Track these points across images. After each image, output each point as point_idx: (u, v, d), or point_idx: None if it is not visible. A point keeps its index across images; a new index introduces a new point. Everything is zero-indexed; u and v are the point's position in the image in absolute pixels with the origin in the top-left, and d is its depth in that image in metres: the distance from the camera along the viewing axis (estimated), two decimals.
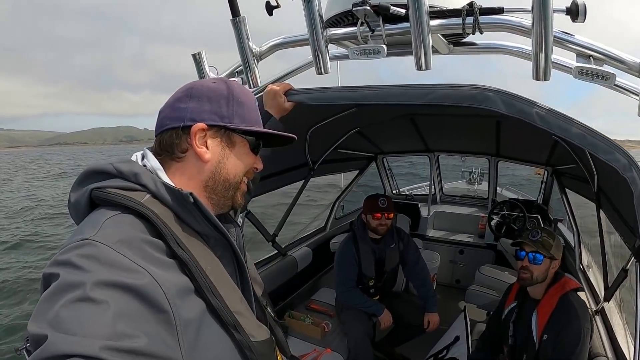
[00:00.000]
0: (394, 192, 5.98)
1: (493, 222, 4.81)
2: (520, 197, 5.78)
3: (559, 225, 4.60)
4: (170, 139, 0.90)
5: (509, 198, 5.25)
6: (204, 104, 0.91)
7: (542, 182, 5.38)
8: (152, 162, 0.90)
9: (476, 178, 8.99)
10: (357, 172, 5.02)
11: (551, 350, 2.00)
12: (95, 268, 0.64)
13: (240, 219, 2.79)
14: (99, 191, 0.80)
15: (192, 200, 0.82)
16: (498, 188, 5.88)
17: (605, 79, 1.18)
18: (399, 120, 3.49)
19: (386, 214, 2.99)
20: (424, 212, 5.11)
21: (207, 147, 0.91)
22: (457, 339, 2.78)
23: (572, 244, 3.57)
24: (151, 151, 0.93)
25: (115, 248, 0.69)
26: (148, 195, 0.81)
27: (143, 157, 0.92)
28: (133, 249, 0.71)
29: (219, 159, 0.93)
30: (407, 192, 6.33)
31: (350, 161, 4.56)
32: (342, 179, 6.12)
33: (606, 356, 2.11)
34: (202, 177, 0.92)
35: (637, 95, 1.19)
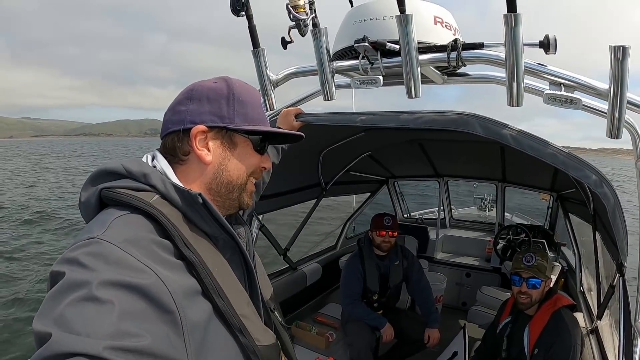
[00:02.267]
0: (405, 215, 6.09)
1: (499, 246, 4.88)
2: (528, 223, 5.84)
3: (563, 249, 4.67)
4: (172, 143, 0.90)
5: (516, 223, 5.34)
6: (203, 105, 0.90)
7: (548, 207, 5.46)
8: (162, 163, 0.90)
9: (487, 204, 8.98)
10: (369, 194, 5.19)
11: None
12: (101, 267, 0.65)
13: (254, 231, 2.98)
14: (108, 191, 0.80)
15: (201, 201, 0.82)
16: (508, 214, 5.94)
17: (572, 103, 1.32)
18: (408, 145, 3.67)
19: (390, 232, 3.15)
20: (432, 235, 5.21)
21: (208, 149, 0.90)
22: (455, 354, 2.88)
23: (574, 268, 3.67)
24: (160, 152, 0.93)
25: (122, 247, 0.69)
26: (157, 196, 0.80)
27: (153, 158, 0.92)
28: (140, 248, 0.71)
29: (221, 161, 0.92)
30: (418, 216, 6.45)
31: (362, 184, 4.73)
32: (354, 200, 6.27)
33: None
34: (205, 179, 0.92)
35: (604, 115, 1.30)
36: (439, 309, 4.20)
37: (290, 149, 1.70)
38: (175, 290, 0.70)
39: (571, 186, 3.24)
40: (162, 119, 0.97)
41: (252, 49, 1.72)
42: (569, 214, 4.02)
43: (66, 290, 0.61)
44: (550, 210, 5.37)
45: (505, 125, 1.40)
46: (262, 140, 0.98)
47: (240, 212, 1.09)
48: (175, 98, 0.95)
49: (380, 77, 1.55)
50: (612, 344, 2.42)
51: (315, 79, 1.69)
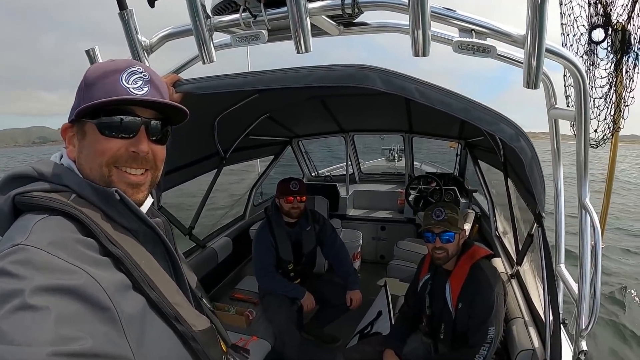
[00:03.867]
0: (313, 174, 6.03)
1: (411, 197, 4.99)
2: (437, 171, 6.04)
3: (475, 195, 4.87)
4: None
5: (426, 172, 5.48)
6: (73, 102, 0.88)
7: (456, 155, 5.64)
8: (66, 161, 0.89)
9: (395, 155, 9.24)
10: (272, 157, 5.01)
11: (467, 318, 2.10)
12: (30, 274, 0.63)
13: None
14: (22, 196, 0.77)
15: (118, 197, 0.81)
16: (417, 163, 6.10)
17: (486, 51, 1.21)
18: (309, 103, 3.51)
19: (298, 197, 3.02)
20: (342, 192, 5.20)
21: (73, 145, 0.89)
22: (379, 313, 2.88)
23: (488, 213, 3.81)
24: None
25: (49, 250, 0.67)
26: (74, 195, 0.80)
27: (62, 157, 0.90)
28: (66, 249, 0.70)
29: (77, 154, 0.88)
30: (326, 174, 6.42)
31: (264, 147, 4.54)
32: (258, 165, 6.08)
33: (523, 318, 2.25)
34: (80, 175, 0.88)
35: (521, 65, 1.22)
36: (357, 265, 4.23)
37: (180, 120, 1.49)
38: (108, 286, 0.69)
39: (479, 133, 3.29)
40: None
41: (119, 11, 1.43)
42: (478, 160, 4.12)
43: None
44: (459, 157, 5.56)
45: (411, 79, 1.26)
46: (115, 120, 0.85)
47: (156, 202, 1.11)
48: None
49: (265, 32, 1.34)
50: (534, 286, 2.51)
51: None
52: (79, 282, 0.65)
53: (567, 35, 1.61)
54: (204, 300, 1.08)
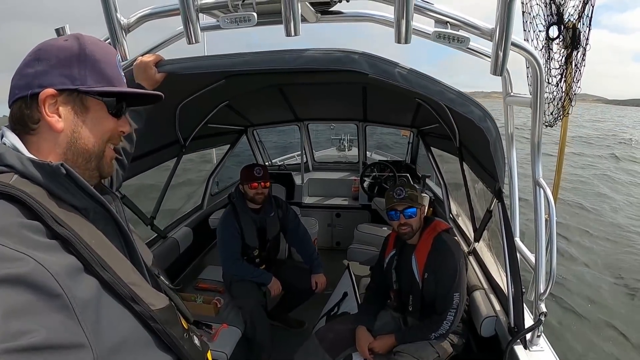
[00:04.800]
0: (267, 163, 6.03)
1: (365, 184, 5.09)
2: (389, 159, 6.20)
3: (427, 181, 5.04)
4: (20, 111, 0.82)
5: (379, 160, 5.61)
6: (53, 66, 0.83)
7: (408, 142, 5.81)
8: (10, 138, 0.81)
9: (346, 144, 9.37)
10: (228, 146, 4.97)
11: (434, 287, 2.23)
12: None
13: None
14: None
15: (64, 172, 0.76)
16: (367, 152, 6.24)
17: (460, 41, 1.32)
18: (267, 91, 3.51)
19: (262, 183, 3.03)
20: (297, 180, 5.24)
21: (59, 115, 0.83)
22: (345, 294, 2.95)
23: (441, 197, 3.98)
24: (9, 128, 0.84)
25: None
26: (16, 176, 0.74)
27: (2, 136, 0.83)
28: (10, 236, 0.65)
29: (74, 128, 0.85)
30: (280, 163, 6.42)
31: (221, 135, 4.50)
32: (214, 154, 5.98)
33: (483, 288, 2.44)
34: (59, 149, 0.84)
35: (489, 57, 1.35)
36: None
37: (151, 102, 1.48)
38: (58, 271, 0.65)
39: (433, 122, 3.44)
40: None
41: None
42: (431, 147, 4.29)
43: None
44: (410, 145, 5.71)
45: (395, 64, 1.36)
46: (118, 102, 0.92)
47: (107, 183, 1.08)
48: (23, 60, 0.85)
49: (254, 14, 1.35)
50: (491, 260, 2.69)
51: (176, 23, 1.46)
52: (25, 270, 0.61)
53: (528, 31, 1.80)
54: (161, 277, 1.06)
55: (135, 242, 0.94)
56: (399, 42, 1.32)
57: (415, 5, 1.28)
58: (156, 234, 3.43)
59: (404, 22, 1.27)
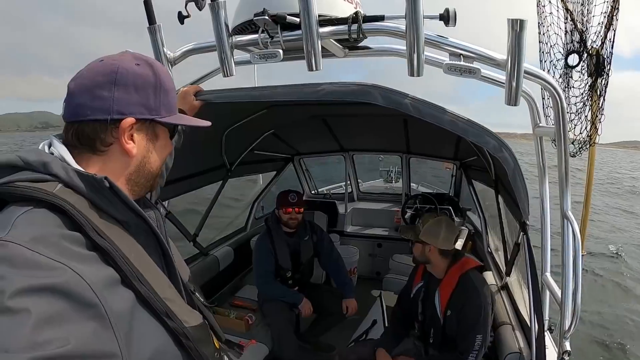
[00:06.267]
0: (312, 192, 6.15)
1: (407, 215, 5.08)
2: (433, 191, 6.17)
3: (469, 214, 5.00)
4: (93, 132, 0.82)
5: (422, 192, 5.60)
6: (131, 94, 0.83)
7: (452, 175, 5.76)
8: (59, 149, 0.82)
9: (393, 176, 9.35)
10: (275, 173, 5.16)
11: (455, 325, 2.22)
12: (9, 273, 0.59)
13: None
14: (6, 187, 0.72)
15: (107, 185, 0.77)
16: (414, 184, 6.19)
17: (472, 73, 1.37)
18: (311, 121, 3.67)
19: (296, 209, 3.18)
20: (341, 209, 5.30)
21: (133, 141, 0.86)
22: (374, 322, 3.00)
23: (481, 230, 3.94)
24: (58, 138, 0.85)
25: (30, 246, 0.63)
26: (60, 185, 0.74)
27: (50, 146, 0.84)
28: (50, 245, 0.65)
29: (144, 154, 0.89)
30: (326, 192, 6.55)
31: (267, 162, 4.69)
32: (261, 179, 6.19)
33: (510, 324, 2.38)
34: (126, 172, 0.88)
35: (503, 85, 1.38)
36: (354, 281, 4.33)
37: (192, 131, 1.62)
38: (95, 282, 0.66)
39: (473, 154, 3.43)
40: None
41: (148, 25, 1.61)
42: (472, 180, 4.26)
43: None
44: (454, 178, 5.67)
45: (405, 95, 1.42)
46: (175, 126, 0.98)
47: (148, 196, 1.07)
48: (89, 77, 0.83)
49: (280, 51, 1.51)
50: (521, 297, 2.64)
51: (215, 57, 1.62)
52: (61, 280, 0.62)
53: (545, 61, 1.80)
54: (196, 294, 1.05)
55: (174, 258, 0.95)
56: (411, 74, 1.40)
57: (427, 39, 1.36)
58: (198, 251, 3.61)
59: (415, 55, 1.36)
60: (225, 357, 1.05)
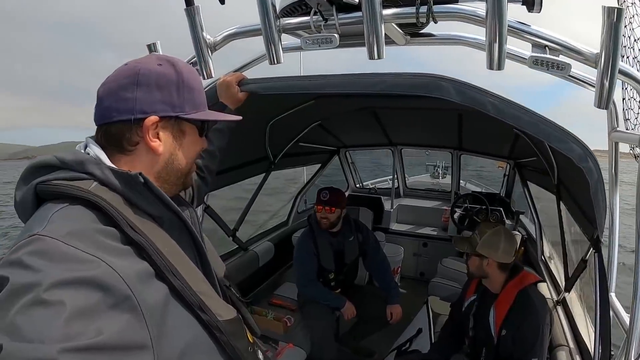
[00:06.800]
0: (357, 185, 6.00)
1: (456, 215, 4.86)
2: (483, 191, 5.89)
3: (522, 217, 4.69)
4: (120, 133, 0.85)
5: (472, 191, 5.34)
6: (153, 93, 0.85)
7: (504, 175, 5.47)
8: (95, 150, 0.85)
9: (440, 172, 9.11)
10: (319, 165, 5.00)
11: (510, 345, 2.00)
12: (45, 266, 0.62)
13: (199, 212, 2.74)
14: (44, 185, 0.76)
15: (142, 180, 0.80)
16: (462, 181, 5.97)
17: (560, 68, 1.17)
18: (360, 113, 3.50)
19: (327, 208, 2.95)
20: (387, 205, 5.13)
21: (159, 139, 0.88)
22: (419, 331, 2.81)
23: (534, 236, 3.66)
24: (94, 140, 0.88)
25: (65, 241, 0.66)
26: (95, 183, 0.78)
27: (86, 147, 0.87)
28: (85, 239, 0.68)
29: (172, 151, 0.91)
30: (371, 186, 6.36)
31: (312, 155, 4.54)
32: (305, 172, 6.09)
33: (568, 346, 2.14)
34: (154, 169, 0.90)
35: (593, 86, 1.18)
36: (396, 280, 4.15)
37: (235, 121, 1.51)
38: (128, 275, 0.68)
39: (530, 154, 3.18)
40: None
41: (185, 7, 1.45)
42: (527, 182, 4.00)
43: (13, 297, 0.59)
44: (506, 177, 5.38)
45: (485, 92, 1.23)
46: (203, 123, 0.97)
47: (183, 195, 1.13)
48: (114, 80, 0.86)
49: (336, 36, 1.32)
50: (582, 316, 2.39)
51: (261, 42, 1.45)
52: (95, 273, 0.64)
53: (627, 57, 1.54)
54: (232, 289, 1.08)
55: (208, 253, 0.97)
56: (490, 68, 1.21)
57: (509, 26, 1.16)
58: (237, 246, 3.50)
59: (496, 45, 1.16)
60: (259, 351, 1.02)
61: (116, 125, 0.85)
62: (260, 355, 1.01)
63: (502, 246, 2.10)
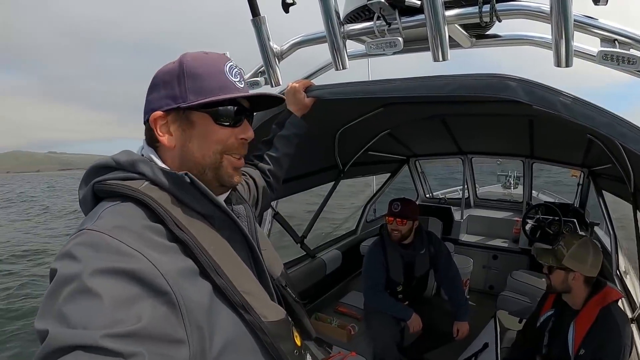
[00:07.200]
0: (427, 195, 5.87)
1: (527, 227, 4.61)
2: (556, 201, 5.56)
3: (596, 229, 4.40)
4: (147, 133, 0.93)
5: (544, 201, 5.05)
6: (160, 91, 0.90)
7: (578, 184, 5.15)
8: (147, 150, 0.92)
9: (512, 182, 8.72)
10: (389, 174, 4.95)
11: None
12: (90, 256, 0.65)
13: (268, 219, 2.80)
14: (100, 184, 0.81)
15: (188, 180, 0.83)
16: (534, 192, 5.68)
17: (631, 62, 1.09)
18: (429, 121, 3.43)
19: (398, 220, 2.88)
20: (457, 215, 4.99)
21: (170, 133, 0.90)
22: (485, 345, 2.67)
23: (609, 249, 3.40)
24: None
25: (111, 234, 0.69)
26: (146, 183, 0.82)
27: (142, 148, 0.95)
28: (131, 234, 0.71)
29: (183, 143, 0.91)
30: (441, 196, 6.19)
31: (381, 164, 4.51)
32: (374, 181, 6.05)
33: None
34: (176, 163, 0.91)
35: None
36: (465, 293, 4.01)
37: (304, 130, 1.58)
38: (168, 271, 0.70)
39: (606, 161, 2.96)
40: None
41: (252, 18, 1.50)
42: (602, 191, 3.74)
43: (60, 286, 0.63)
44: (580, 187, 5.06)
45: (557, 91, 1.15)
46: (229, 109, 0.93)
47: (250, 200, 1.15)
48: None
49: (400, 39, 1.31)
50: None
51: (326, 49, 1.47)
52: (136, 266, 0.67)
53: None
54: (288, 289, 1.07)
55: (262, 253, 0.98)
56: (558, 65, 1.17)
57: (575, 21, 1.11)
58: (305, 253, 3.53)
59: (563, 42, 1.12)
60: (308, 355, 1.02)
61: (145, 126, 0.93)
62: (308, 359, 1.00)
63: (590, 259, 1.98)
